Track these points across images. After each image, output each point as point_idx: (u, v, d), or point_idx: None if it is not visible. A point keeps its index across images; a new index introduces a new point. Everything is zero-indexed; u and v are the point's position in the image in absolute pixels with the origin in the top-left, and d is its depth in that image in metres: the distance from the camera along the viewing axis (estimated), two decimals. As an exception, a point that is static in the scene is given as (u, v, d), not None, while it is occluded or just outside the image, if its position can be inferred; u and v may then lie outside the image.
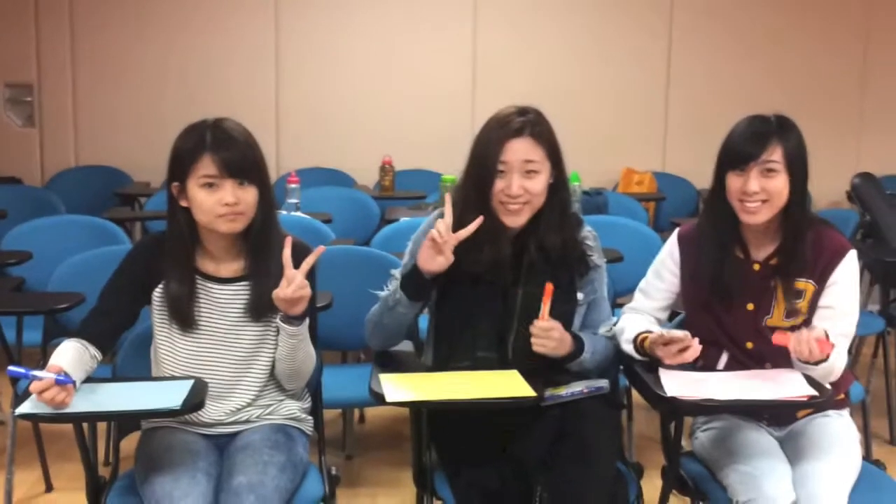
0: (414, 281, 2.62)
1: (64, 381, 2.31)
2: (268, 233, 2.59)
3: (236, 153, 2.50)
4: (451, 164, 6.48)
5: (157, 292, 2.61)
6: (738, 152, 2.62)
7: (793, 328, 2.61)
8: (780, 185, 2.59)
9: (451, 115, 6.97)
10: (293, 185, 5.04)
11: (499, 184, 2.61)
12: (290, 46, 6.92)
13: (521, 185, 2.61)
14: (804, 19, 6.95)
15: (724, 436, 2.68)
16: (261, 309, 2.58)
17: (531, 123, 2.63)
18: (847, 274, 2.65)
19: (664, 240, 4.60)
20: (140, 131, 6.84)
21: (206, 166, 2.49)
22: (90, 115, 6.93)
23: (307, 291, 2.48)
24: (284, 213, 4.71)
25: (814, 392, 2.44)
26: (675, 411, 2.62)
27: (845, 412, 2.74)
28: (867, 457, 2.71)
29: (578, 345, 2.65)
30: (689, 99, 6.99)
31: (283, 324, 2.55)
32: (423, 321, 2.86)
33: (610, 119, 6.98)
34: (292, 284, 2.46)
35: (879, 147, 6.99)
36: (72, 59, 6.86)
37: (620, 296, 3.95)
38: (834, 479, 2.46)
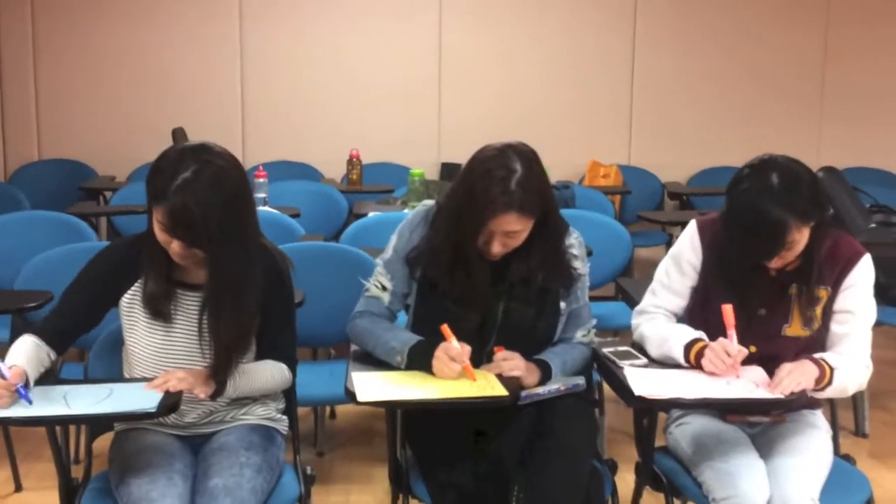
0: (422, 356, 2.54)
1: (24, 396, 2.31)
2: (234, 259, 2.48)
3: (188, 227, 2.37)
4: (418, 158, 6.59)
5: (128, 296, 2.58)
6: (758, 257, 2.55)
7: (810, 338, 2.64)
8: (801, 246, 2.53)
9: (418, 109, 6.98)
10: (261, 180, 5.01)
11: (480, 238, 2.55)
12: (255, 39, 6.89)
13: (503, 244, 2.55)
14: (765, 13, 7.02)
15: (698, 432, 2.68)
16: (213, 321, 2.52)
17: (521, 190, 2.48)
18: (863, 277, 2.65)
19: (631, 233, 4.68)
20: (104, 125, 6.79)
21: (162, 215, 2.39)
22: (53, 109, 6.86)
23: (183, 385, 2.43)
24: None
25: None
26: (650, 408, 2.62)
27: (818, 411, 2.77)
28: (836, 451, 2.73)
29: (545, 371, 2.61)
30: (653, 92, 7.04)
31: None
32: (402, 317, 2.82)
33: (576, 112, 7.01)
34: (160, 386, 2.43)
35: (839, 140, 7.09)
36: (33, 52, 6.79)
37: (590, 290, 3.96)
38: (806, 476, 2.49)
